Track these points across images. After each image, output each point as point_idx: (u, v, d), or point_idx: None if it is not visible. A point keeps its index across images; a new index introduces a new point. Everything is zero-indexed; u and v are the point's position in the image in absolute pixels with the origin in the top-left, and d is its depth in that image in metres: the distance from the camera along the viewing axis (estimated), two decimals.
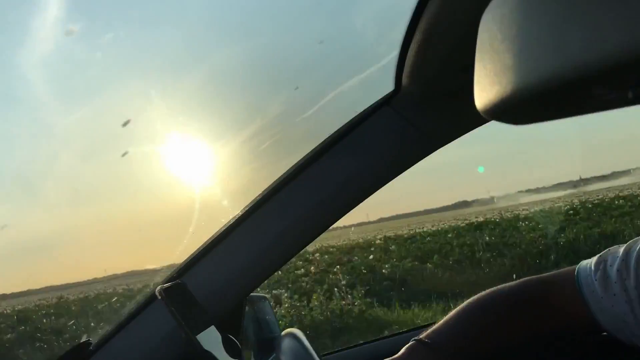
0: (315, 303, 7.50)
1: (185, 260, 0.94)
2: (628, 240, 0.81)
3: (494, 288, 0.88)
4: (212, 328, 0.86)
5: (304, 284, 9.67)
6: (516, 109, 0.30)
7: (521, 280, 0.88)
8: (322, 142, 0.92)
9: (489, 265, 9.07)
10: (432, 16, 0.59)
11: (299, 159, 0.93)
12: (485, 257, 9.55)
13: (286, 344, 0.71)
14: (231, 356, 0.86)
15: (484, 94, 0.32)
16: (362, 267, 10.37)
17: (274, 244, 0.91)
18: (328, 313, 7.24)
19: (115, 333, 0.91)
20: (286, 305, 7.67)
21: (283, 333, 0.75)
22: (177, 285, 0.87)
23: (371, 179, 0.91)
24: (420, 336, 0.82)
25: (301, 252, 0.98)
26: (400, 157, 0.91)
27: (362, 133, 0.90)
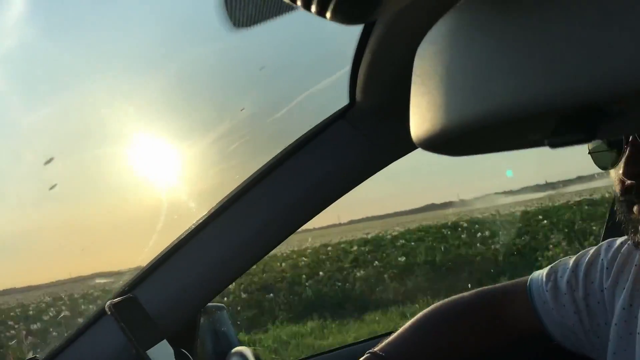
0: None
1: (138, 273, 0.91)
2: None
3: (448, 299, 0.89)
4: (164, 342, 0.84)
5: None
6: (447, 143, 0.31)
7: (475, 291, 0.89)
8: (281, 152, 0.91)
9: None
10: (379, 38, 0.59)
11: (262, 164, 0.92)
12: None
13: None
14: None
15: (418, 125, 0.32)
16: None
17: (232, 253, 0.90)
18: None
19: (64, 349, 0.88)
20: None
21: (232, 351, 0.74)
22: (128, 299, 0.85)
23: (331, 188, 0.91)
24: (375, 349, 0.82)
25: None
26: (358, 168, 0.91)
27: (320, 144, 0.90)
